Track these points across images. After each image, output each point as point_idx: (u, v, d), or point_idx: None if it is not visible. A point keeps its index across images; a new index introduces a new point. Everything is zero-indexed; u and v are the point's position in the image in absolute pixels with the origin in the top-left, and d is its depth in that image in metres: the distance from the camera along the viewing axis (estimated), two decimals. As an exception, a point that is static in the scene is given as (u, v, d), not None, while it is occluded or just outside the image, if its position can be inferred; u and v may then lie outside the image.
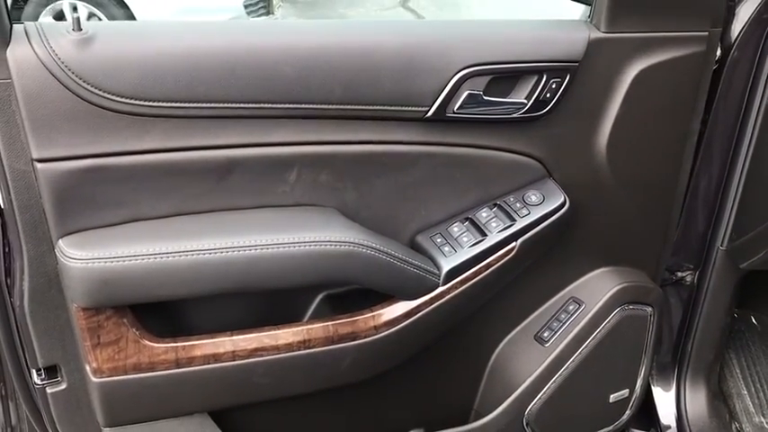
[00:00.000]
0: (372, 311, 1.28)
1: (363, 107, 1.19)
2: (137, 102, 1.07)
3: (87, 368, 1.17)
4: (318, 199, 1.24)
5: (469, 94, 1.21)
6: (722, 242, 1.57)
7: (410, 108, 1.21)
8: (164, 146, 1.11)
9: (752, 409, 1.74)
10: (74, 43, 1.03)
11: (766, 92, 1.40)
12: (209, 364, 1.20)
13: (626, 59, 1.29)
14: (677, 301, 1.69)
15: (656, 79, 1.31)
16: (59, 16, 5.18)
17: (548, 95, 1.26)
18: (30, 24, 1.06)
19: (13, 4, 5.12)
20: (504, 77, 1.24)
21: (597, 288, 1.47)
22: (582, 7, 1.39)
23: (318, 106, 1.16)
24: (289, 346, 1.23)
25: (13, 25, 1.04)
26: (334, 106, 1.17)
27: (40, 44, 1.02)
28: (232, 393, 1.25)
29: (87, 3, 5.17)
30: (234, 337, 1.21)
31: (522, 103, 1.25)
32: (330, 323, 1.26)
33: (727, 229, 1.55)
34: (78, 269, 1.07)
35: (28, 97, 1.02)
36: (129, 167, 1.10)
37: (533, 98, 1.25)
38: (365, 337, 1.27)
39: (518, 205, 1.33)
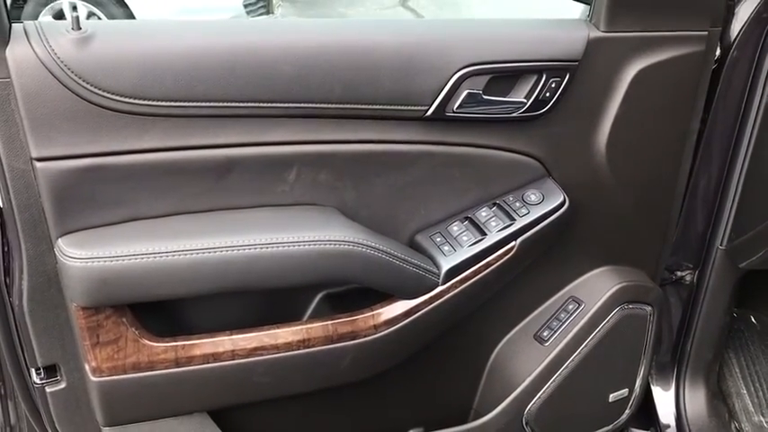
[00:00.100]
0: (372, 311, 1.28)
1: (363, 106, 1.19)
2: (136, 101, 1.07)
3: (86, 367, 1.16)
4: (318, 198, 1.24)
5: (469, 93, 1.21)
6: (721, 242, 1.57)
7: (409, 107, 1.21)
8: (163, 145, 1.11)
9: (751, 409, 1.74)
10: (73, 42, 1.03)
11: (765, 91, 1.40)
12: (208, 363, 1.20)
13: (625, 59, 1.29)
14: (677, 301, 1.69)
15: (655, 79, 1.31)
16: (59, 15, 5.18)
17: (547, 95, 1.26)
18: (29, 23, 1.06)
19: (12, 3, 5.12)
20: (503, 77, 1.24)
21: (597, 287, 1.47)
22: (581, 6, 1.39)
23: (318, 105, 1.16)
24: (288, 346, 1.23)
25: (13, 24, 1.04)
26: (333, 105, 1.17)
27: (39, 43, 1.02)
28: (231, 393, 1.25)
29: (87, 2, 5.17)
30: (233, 337, 1.21)
31: (522, 103, 1.25)
32: (329, 322, 1.26)
33: (727, 228, 1.55)
34: (77, 268, 1.07)
35: (27, 96, 1.02)
36: (129, 166, 1.10)
37: (533, 97, 1.25)
38: (365, 337, 1.27)
39: (517, 204, 1.33)
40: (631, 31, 1.27)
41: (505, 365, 1.49)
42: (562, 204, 1.33)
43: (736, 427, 1.74)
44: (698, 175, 1.52)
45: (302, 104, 1.16)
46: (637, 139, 1.37)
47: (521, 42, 1.25)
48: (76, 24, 1.04)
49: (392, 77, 1.18)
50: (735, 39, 1.38)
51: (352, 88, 1.17)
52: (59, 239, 1.10)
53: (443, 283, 1.30)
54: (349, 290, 1.33)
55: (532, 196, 1.33)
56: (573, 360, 1.45)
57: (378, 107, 1.19)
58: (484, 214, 1.33)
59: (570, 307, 1.47)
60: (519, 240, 1.32)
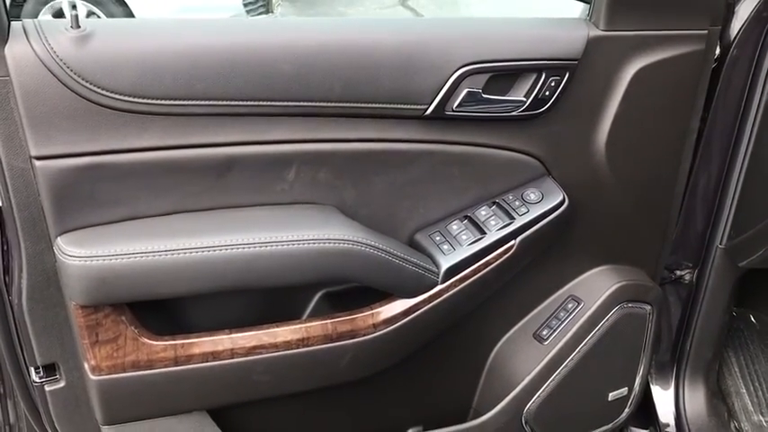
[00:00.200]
0: (371, 309, 1.28)
1: (362, 105, 1.19)
2: (135, 99, 1.07)
3: (86, 366, 1.16)
4: (317, 197, 1.24)
5: (468, 91, 1.21)
6: (721, 240, 1.57)
7: (409, 106, 1.21)
8: (162, 143, 1.11)
9: (750, 408, 1.74)
10: (72, 41, 1.03)
11: (765, 90, 1.40)
12: (207, 361, 1.19)
13: (625, 57, 1.29)
14: (676, 300, 1.69)
15: (655, 77, 1.31)
16: (59, 14, 5.18)
17: (547, 93, 1.26)
18: (28, 22, 1.06)
19: (12, 1, 5.12)
20: (503, 75, 1.24)
21: (596, 286, 1.47)
22: (581, 5, 1.39)
23: (317, 104, 1.16)
24: (287, 344, 1.23)
25: (12, 23, 1.04)
26: (333, 104, 1.17)
27: (38, 41, 1.02)
28: (231, 391, 1.25)
29: (86, 1, 5.17)
30: (233, 335, 1.21)
31: (521, 101, 1.25)
32: (329, 321, 1.26)
33: (726, 227, 1.55)
34: (77, 267, 1.07)
35: (26, 95, 1.02)
36: (128, 165, 1.10)
37: (532, 96, 1.25)
38: (364, 335, 1.27)
39: (517, 203, 1.33)
40: (631, 29, 1.27)
41: (505, 364, 1.49)
42: (562, 203, 1.33)
43: (735, 426, 1.74)
44: (698, 173, 1.52)
45: (302, 103, 1.15)
46: (636, 137, 1.36)
47: (520, 41, 1.24)
48: (75, 23, 1.04)
49: (392, 76, 1.18)
50: (735, 37, 1.38)
51: (352, 87, 1.17)
52: (58, 238, 1.10)
53: (443, 282, 1.30)
54: (348, 289, 1.33)
55: (532, 195, 1.33)
56: (572, 359, 1.45)
57: (377, 106, 1.19)
58: (483, 213, 1.33)
59: (570, 306, 1.47)
60: (518, 239, 1.32)
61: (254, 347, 1.22)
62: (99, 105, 1.06)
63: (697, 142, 1.46)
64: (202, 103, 1.10)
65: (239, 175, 1.17)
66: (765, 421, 1.71)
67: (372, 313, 1.28)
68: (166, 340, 1.18)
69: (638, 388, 1.59)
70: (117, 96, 1.06)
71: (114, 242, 1.09)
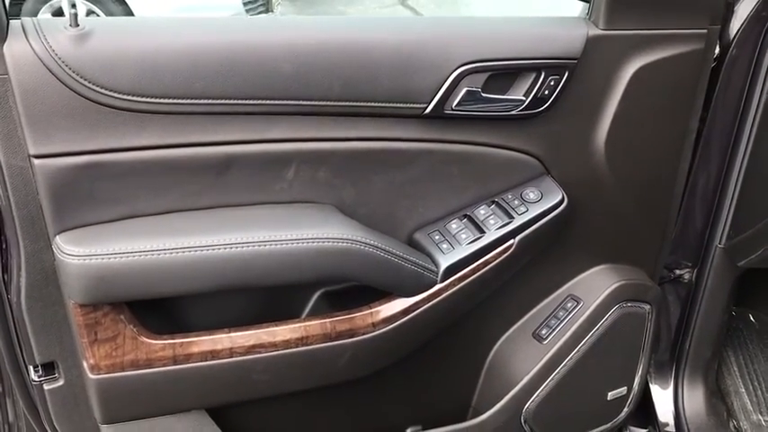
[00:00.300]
0: (370, 308, 1.28)
1: (362, 104, 1.19)
2: (134, 98, 1.07)
3: (85, 365, 1.16)
4: (316, 196, 1.24)
5: (468, 90, 1.21)
6: (720, 240, 1.57)
7: (408, 105, 1.21)
8: (161, 142, 1.11)
9: (750, 407, 1.74)
10: (71, 39, 1.03)
11: (765, 89, 1.40)
12: (206, 360, 1.19)
13: (624, 57, 1.29)
14: (675, 299, 1.69)
15: (654, 77, 1.31)
16: (58, 13, 5.17)
17: (546, 93, 1.26)
18: (27, 20, 1.06)
19: (11, 0, 5.11)
20: (502, 74, 1.24)
21: (595, 285, 1.47)
22: (581, 4, 1.39)
23: (317, 103, 1.16)
24: (286, 343, 1.23)
25: (10, 21, 1.04)
26: (332, 103, 1.17)
27: (37, 40, 1.02)
28: (230, 390, 1.25)
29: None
30: (231, 334, 1.21)
31: (521, 101, 1.25)
32: (328, 320, 1.26)
33: (726, 226, 1.55)
34: (75, 266, 1.07)
35: (25, 93, 1.02)
36: (127, 164, 1.10)
37: (532, 95, 1.25)
38: (363, 335, 1.27)
39: (516, 202, 1.33)
40: (630, 29, 1.27)
41: (504, 363, 1.49)
42: (561, 202, 1.33)
43: (734, 425, 1.74)
44: (697, 173, 1.52)
45: (301, 102, 1.15)
46: (636, 137, 1.36)
47: (520, 40, 1.24)
48: (74, 21, 1.04)
49: (391, 75, 1.18)
50: (734, 37, 1.38)
51: (352, 86, 1.17)
52: (57, 236, 1.10)
53: (442, 281, 1.30)
54: (347, 288, 1.33)
55: (531, 194, 1.33)
56: (571, 358, 1.45)
57: (377, 105, 1.19)
58: (482, 212, 1.33)
59: (569, 305, 1.47)
60: (517, 238, 1.32)
61: (253, 346, 1.21)
62: (98, 104, 1.06)
63: (696, 142, 1.46)
64: (201, 101, 1.10)
65: (238, 174, 1.17)
66: (764, 420, 1.71)
67: (371, 312, 1.28)
68: (165, 339, 1.18)
69: (637, 387, 1.59)
70: (116, 95, 1.06)
71: (113, 241, 1.09)
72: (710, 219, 1.57)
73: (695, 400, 1.72)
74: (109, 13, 5.23)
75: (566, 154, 1.35)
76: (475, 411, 1.54)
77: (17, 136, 1.06)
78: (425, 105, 1.21)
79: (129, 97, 1.06)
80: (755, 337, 1.85)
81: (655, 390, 1.74)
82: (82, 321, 1.13)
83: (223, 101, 1.11)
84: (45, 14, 5.14)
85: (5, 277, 1.17)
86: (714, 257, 1.59)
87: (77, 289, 1.09)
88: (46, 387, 1.26)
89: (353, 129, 1.21)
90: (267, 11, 5.82)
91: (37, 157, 1.05)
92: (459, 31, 1.24)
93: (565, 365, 1.45)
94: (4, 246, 1.16)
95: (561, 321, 1.46)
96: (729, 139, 1.48)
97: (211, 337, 1.20)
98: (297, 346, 1.24)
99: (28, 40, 1.02)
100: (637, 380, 1.58)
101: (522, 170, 1.34)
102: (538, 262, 1.41)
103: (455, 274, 1.30)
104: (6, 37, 1.02)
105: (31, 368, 1.24)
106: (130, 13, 5.28)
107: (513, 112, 1.26)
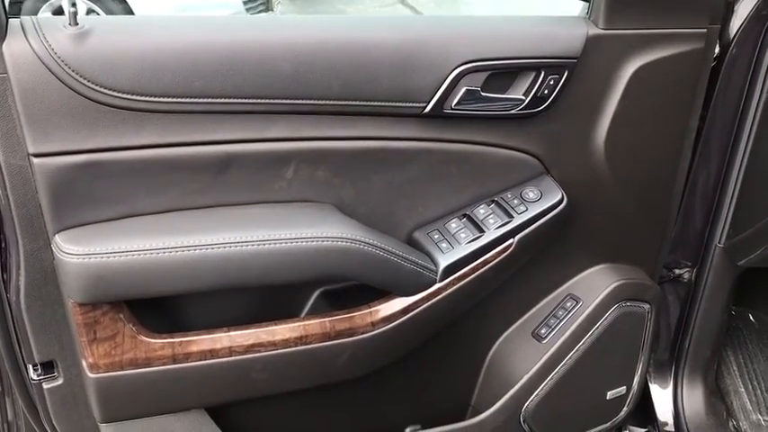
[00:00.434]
0: (369, 308, 1.28)
1: (361, 103, 1.19)
2: (134, 97, 1.07)
3: (84, 364, 1.16)
4: (315, 195, 1.24)
5: (467, 90, 1.21)
6: (720, 239, 1.57)
7: (408, 104, 1.21)
8: (161, 141, 1.11)
9: (749, 407, 1.74)
10: (70, 38, 1.03)
11: (764, 89, 1.40)
12: (205, 359, 1.19)
13: (624, 56, 1.28)
14: (675, 299, 1.69)
15: (654, 76, 1.31)
16: (58, 12, 5.17)
17: (545, 92, 1.26)
18: (26, 19, 1.06)
19: (11, -1, 5.11)
20: (502, 73, 1.24)
21: (595, 285, 1.47)
22: (580, 4, 1.39)
23: (316, 102, 1.16)
24: (286, 342, 1.23)
25: (10, 19, 1.04)
26: (331, 102, 1.17)
27: (36, 39, 1.02)
28: (229, 389, 1.25)
29: (85, -2, 5.16)
30: (231, 333, 1.21)
31: (520, 100, 1.25)
32: (327, 319, 1.26)
33: (725, 226, 1.55)
34: (74, 264, 1.07)
35: (24, 92, 1.02)
36: (126, 163, 1.10)
37: (531, 94, 1.25)
38: (362, 334, 1.27)
39: (516, 202, 1.33)
40: (630, 28, 1.27)
41: (503, 363, 1.49)
42: (560, 202, 1.33)
43: (733, 425, 1.74)
44: (697, 172, 1.52)
45: (300, 101, 1.15)
46: (636, 136, 1.36)
47: (519, 39, 1.24)
48: (74, 20, 1.04)
49: (390, 74, 1.18)
50: (734, 36, 1.38)
51: (351, 85, 1.17)
52: (56, 235, 1.10)
53: (441, 281, 1.30)
54: (346, 287, 1.33)
55: (531, 194, 1.33)
56: (571, 357, 1.45)
57: (376, 104, 1.19)
58: (482, 211, 1.33)
59: (568, 304, 1.47)
60: (517, 238, 1.32)
61: (253, 345, 1.21)
62: (97, 103, 1.06)
63: (696, 141, 1.46)
64: (201, 100, 1.10)
65: (237, 173, 1.17)
66: (764, 420, 1.71)
67: (371, 311, 1.28)
68: (164, 338, 1.18)
69: (636, 387, 1.59)
70: (115, 94, 1.06)
71: (112, 240, 1.09)
72: (710, 218, 1.57)
73: (695, 399, 1.72)
74: (109, 12, 5.23)
75: (565, 153, 1.35)
76: (474, 410, 1.54)
77: (16, 135, 1.06)
78: (425, 104, 1.21)
79: (129, 96, 1.06)
80: (755, 337, 1.85)
81: (654, 389, 1.74)
82: (81, 320, 1.13)
83: (222, 100, 1.11)
84: (45, 13, 5.14)
85: (4, 276, 1.17)
86: (714, 257, 1.59)
87: (76, 288, 1.09)
88: (45, 386, 1.26)
89: (353, 128, 1.21)
90: (267, 10, 5.82)
91: (36, 155, 1.05)
92: (459, 31, 1.24)
93: (564, 365, 1.45)
94: (3, 245, 1.16)
95: (561, 321, 1.46)
96: (729, 138, 1.48)
97: (210, 336, 1.20)
98: (296, 346, 1.24)
99: (27, 39, 1.02)
100: (636, 379, 1.58)
101: (521, 169, 1.34)
102: (537, 261, 1.41)
103: (454, 273, 1.30)
104: (5, 36, 1.01)
105: (30, 367, 1.24)
106: (130, 12, 5.28)
107: (512, 112, 1.26)
